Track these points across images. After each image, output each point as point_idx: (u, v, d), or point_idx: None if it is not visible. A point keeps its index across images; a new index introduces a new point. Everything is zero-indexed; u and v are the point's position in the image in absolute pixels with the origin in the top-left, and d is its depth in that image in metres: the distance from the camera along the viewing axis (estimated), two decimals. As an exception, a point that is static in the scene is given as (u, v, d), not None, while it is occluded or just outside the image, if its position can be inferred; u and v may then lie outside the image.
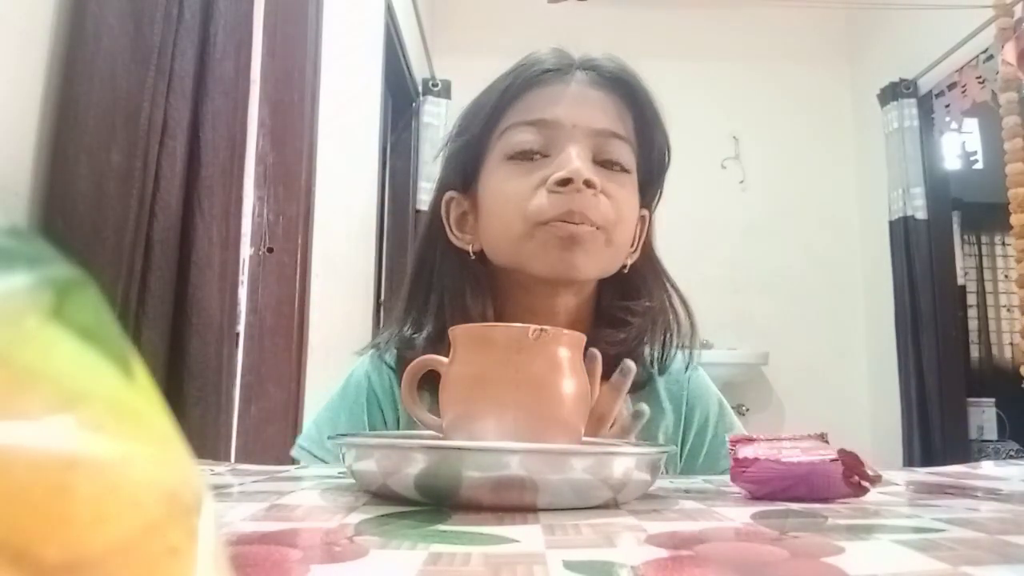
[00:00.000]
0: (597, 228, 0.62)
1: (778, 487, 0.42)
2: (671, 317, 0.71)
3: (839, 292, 3.49)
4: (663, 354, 0.71)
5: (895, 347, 3.13)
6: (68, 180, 0.89)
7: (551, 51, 0.68)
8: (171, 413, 0.13)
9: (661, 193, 0.73)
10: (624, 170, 0.65)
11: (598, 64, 0.67)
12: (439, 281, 0.69)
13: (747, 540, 0.29)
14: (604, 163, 0.64)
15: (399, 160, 3.10)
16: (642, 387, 0.71)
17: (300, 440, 0.72)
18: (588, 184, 0.60)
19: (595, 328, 0.67)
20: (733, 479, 0.44)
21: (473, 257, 0.68)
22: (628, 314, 0.68)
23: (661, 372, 0.72)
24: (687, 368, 0.73)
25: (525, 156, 0.64)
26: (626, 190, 0.65)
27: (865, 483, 0.42)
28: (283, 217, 1.43)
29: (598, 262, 0.64)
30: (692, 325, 0.71)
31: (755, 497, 0.43)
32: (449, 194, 0.70)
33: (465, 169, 0.68)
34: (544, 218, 0.61)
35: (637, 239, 0.70)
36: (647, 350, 0.70)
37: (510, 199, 0.64)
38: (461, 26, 3.55)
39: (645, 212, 0.71)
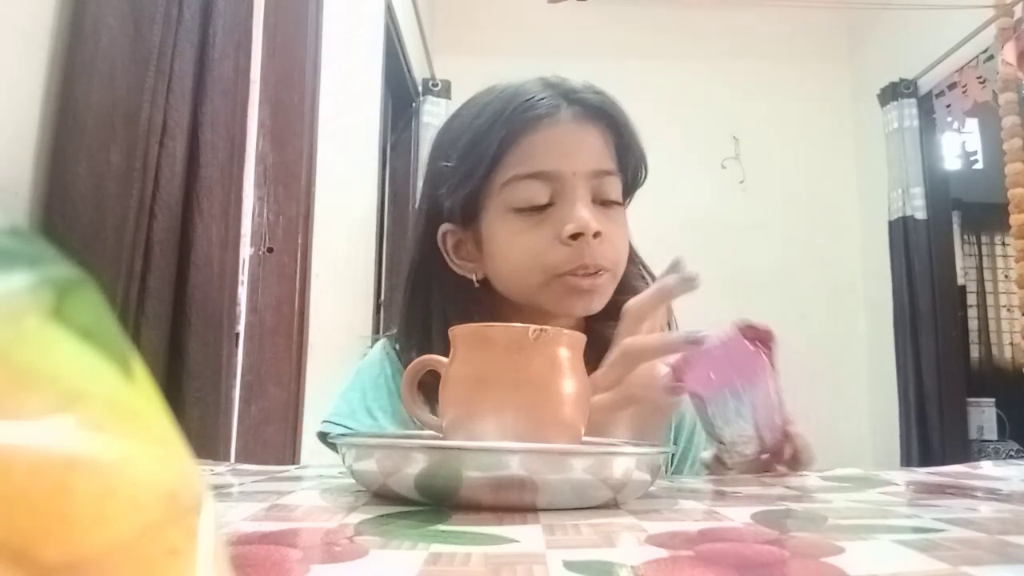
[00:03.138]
0: (607, 272, 0.68)
1: (705, 373, 0.49)
2: None
3: (839, 292, 3.49)
4: None
5: (894, 347, 3.13)
6: (68, 180, 0.89)
7: (539, 86, 0.70)
8: (171, 413, 0.13)
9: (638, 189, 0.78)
10: (618, 203, 0.70)
11: (581, 98, 0.70)
12: (440, 307, 0.72)
13: (747, 540, 0.29)
14: (602, 202, 0.69)
15: (399, 160, 3.10)
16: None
17: (331, 416, 0.72)
18: (596, 235, 0.65)
19: (593, 321, 0.70)
20: (678, 391, 0.51)
21: (476, 285, 0.71)
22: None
23: None
24: None
25: (534, 209, 0.67)
26: (620, 225, 0.70)
27: (766, 351, 0.50)
28: (283, 217, 1.43)
29: (608, 296, 0.70)
30: (669, 312, 0.75)
31: (697, 396, 0.52)
32: (445, 227, 0.72)
33: (465, 211, 0.71)
34: (561, 271, 0.66)
35: None
36: None
37: (525, 253, 0.67)
38: (461, 26, 3.55)
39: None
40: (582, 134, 0.69)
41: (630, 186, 0.74)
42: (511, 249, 0.68)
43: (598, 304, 0.68)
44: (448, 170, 0.71)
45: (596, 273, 0.66)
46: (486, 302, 0.71)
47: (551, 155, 0.67)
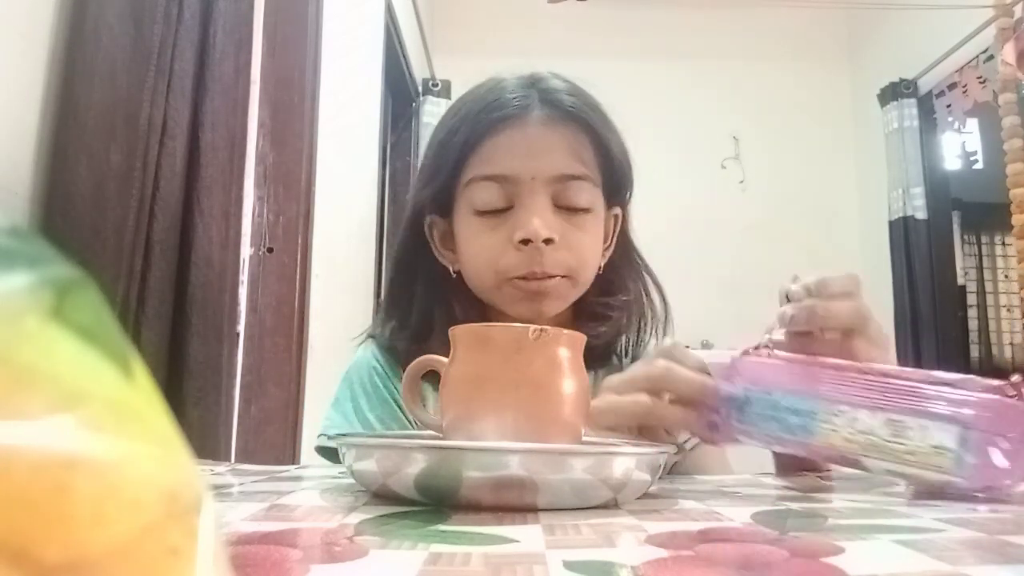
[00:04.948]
0: (561, 277, 0.67)
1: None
2: (646, 305, 0.76)
3: (839, 292, 3.48)
4: (637, 340, 0.75)
5: (895, 347, 3.12)
6: (68, 180, 0.89)
7: (515, 85, 0.70)
8: (171, 413, 0.13)
9: (631, 192, 0.76)
10: (584, 209, 0.68)
11: (556, 99, 0.69)
12: (424, 292, 0.72)
13: (747, 540, 0.29)
14: (565, 207, 0.68)
15: (399, 160, 3.09)
16: (604, 366, 0.74)
17: (327, 429, 0.72)
18: (547, 241, 0.65)
19: (576, 323, 0.70)
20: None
21: (454, 276, 0.72)
22: (608, 309, 0.72)
23: (633, 359, 0.75)
24: None
25: (492, 211, 0.67)
26: (586, 230, 0.69)
27: None
28: (283, 217, 1.43)
29: (565, 301, 0.70)
30: (666, 312, 0.76)
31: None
32: (430, 218, 0.73)
33: (440, 206, 0.72)
34: (511, 275, 0.66)
35: (611, 237, 0.74)
36: (622, 339, 0.74)
37: (480, 254, 0.68)
38: (461, 26, 3.54)
39: (618, 211, 0.75)
40: (550, 137, 0.67)
41: (616, 190, 0.73)
42: (470, 249, 0.69)
43: (550, 308, 0.68)
44: (423, 166, 0.73)
45: (548, 278, 0.66)
46: (465, 292, 0.72)
47: (511, 158, 0.67)
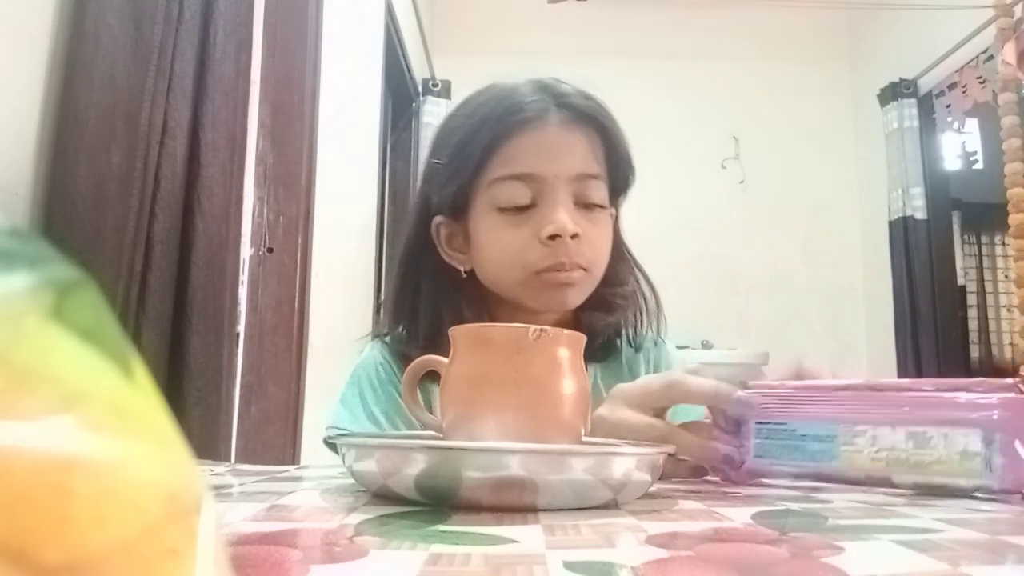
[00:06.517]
0: (583, 270, 0.70)
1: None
2: (640, 299, 0.79)
3: (839, 292, 3.49)
4: (636, 333, 0.79)
5: (895, 347, 3.12)
6: (68, 180, 0.89)
7: (530, 89, 0.72)
8: (171, 413, 0.13)
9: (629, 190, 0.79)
10: (600, 206, 0.71)
11: (571, 102, 0.72)
12: (429, 294, 0.74)
13: (747, 540, 0.29)
14: (584, 205, 0.71)
15: (399, 160, 3.10)
16: (604, 359, 0.77)
17: (334, 422, 0.73)
18: (573, 236, 0.68)
19: (583, 313, 0.73)
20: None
21: (464, 276, 0.74)
22: (615, 298, 0.76)
23: (638, 350, 0.79)
24: (655, 343, 0.81)
25: (516, 209, 0.70)
26: (601, 226, 0.72)
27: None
28: (283, 217, 1.43)
29: (585, 293, 0.72)
30: (658, 305, 0.80)
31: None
32: (438, 219, 0.75)
33: (454, 206, 0.73)
34: (538, 268, 0.69)
35: None
36: (624, 330, 0.78)
37: (506, 250, 0.70)
38: (461, 26, 3.55)
39: (612, 209, 0.77)
40: (568, 138, 0.71)
41: (618, 189, 0.76)
42: (493, 246, 0.71)
43: (573, 299, 0.71)
44: (439, 167, 0.74)
45: (571, 270, 0.69)
46: (473, 292, 0.74)
47: (535, 158, 0.69)
